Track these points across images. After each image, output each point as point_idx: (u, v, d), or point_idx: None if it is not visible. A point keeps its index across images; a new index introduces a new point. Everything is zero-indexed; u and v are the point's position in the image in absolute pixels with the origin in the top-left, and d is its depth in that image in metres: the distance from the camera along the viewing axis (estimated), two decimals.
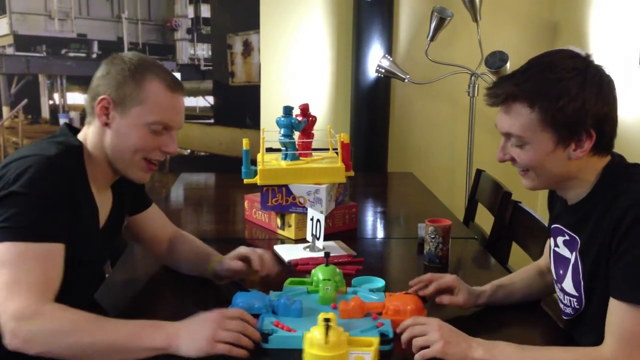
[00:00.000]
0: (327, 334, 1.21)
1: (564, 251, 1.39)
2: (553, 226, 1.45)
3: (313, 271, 1.59)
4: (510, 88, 1.27)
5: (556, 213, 1.45)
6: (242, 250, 1.60)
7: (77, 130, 1.47)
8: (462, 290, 1.49)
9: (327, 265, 1.58)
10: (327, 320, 1.23)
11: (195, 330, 1.23)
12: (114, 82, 1.38)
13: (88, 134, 1.43)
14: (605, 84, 1.26)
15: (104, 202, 1.48)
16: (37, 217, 1.24)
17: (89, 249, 1.42)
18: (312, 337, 1.22)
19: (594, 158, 1.29)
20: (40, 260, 1.23)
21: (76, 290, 1.42)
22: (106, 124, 1.39)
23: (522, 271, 1.62)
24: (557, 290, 1.43)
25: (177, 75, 3.54)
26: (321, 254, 1.88)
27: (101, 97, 1.38)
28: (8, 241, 1.22)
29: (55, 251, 1.27)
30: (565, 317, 1.42)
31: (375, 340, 1.28)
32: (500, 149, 1.34)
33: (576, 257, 1.34)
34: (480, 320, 1.50)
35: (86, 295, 1.54)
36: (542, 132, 1.26)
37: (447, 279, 1.52)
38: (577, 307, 1.35)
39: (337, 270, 1.58)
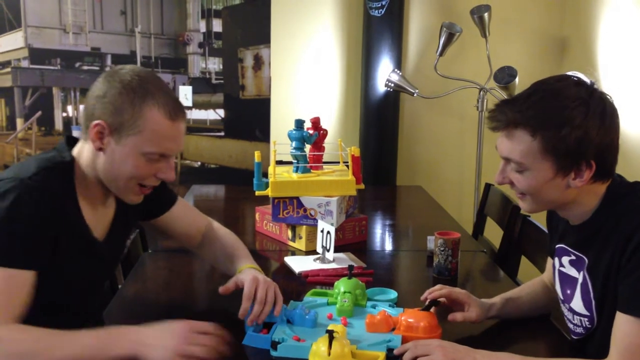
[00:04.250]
0: (330, 345, 1.23)
1: (571, 271, 1.39)
2: (557, 246, 1.44)
3: (336, 283, 1.61)
4: (512, 114, 1.27)
5: (560, 233, 1.45)
6: (246, 284, 1.46)
7: (77, 142, 1.40)
8: (474, 305, 1.49)
9: (349, 278, 1.59)
10: (330, 332, 1.25)
11: (162, 338, 1.21)
12: (111, 107, 1.28)
13: (83, 150, 1.36)
14: (608, 114, 1.25)
15: (101, 215, 1.43)
16: (6, 243, 1.20)
17: (83, 265, 1.37)
18: (317, 348, 1.25)
19: (595, 184, 1.29)
20: (5, 285, 1.19)
21: (79, 308, 1.42)
22: (100, 149, 1.31)
23: (527, 285, 1.62)
24: (565, 310, 1.43)
25: (189, 89, 3.58)
26: (331, 266, 1.90)
27: (96, 122, 1.29)
28: None
29: (22, 278, 1.22)
30: (575, 337, 1.42)
31: (381, 354, 1.29)
32: (499, 171, 1.34)
33: (584, 276, 1.34)
34: (488, 334, 1.51)
35: (93, 311, 1.53)
36: (542, 160, 1.26)
37: (459, 290, 1.52)
38: (589, 326, 1.35)
39: (360, 283, 1.60)
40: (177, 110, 1.33)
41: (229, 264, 1.61)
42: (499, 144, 1.31)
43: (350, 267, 1.64)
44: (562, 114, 1.23)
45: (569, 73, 1.37)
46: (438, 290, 1.51)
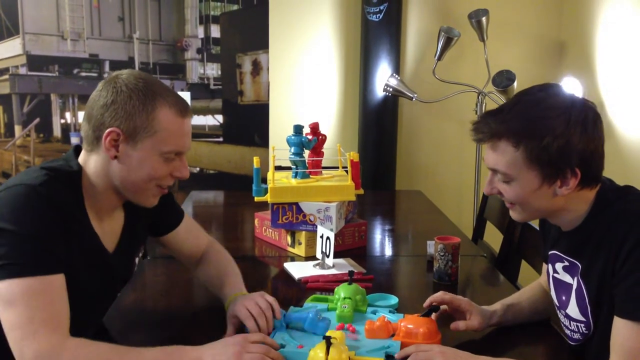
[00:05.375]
0: (327, 352, 1.23)
1: (565, 277, 1.39)
2: (550, 253, 1.45)
3: (336, 289, 1.60)
4: (495, 126, 1.28)
5: (552, 240, 1.45)
6: (242, 315, 1.45)
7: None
8: (475, 313, 1.48)
9: (350, 283, 1.59)
10: (327, 337, 1.25)
11: (219, 353, 1.23)
12: (123, 113, 1.28)
13: (89, 162, 1.35)
14: (590, 122, 1.26)
15: (109, 227, 1.43)
16: (31, 250, 1.19)
17: (94, 276, 1.37)
18: (314, 354, 1.25)
19: (583, 191, 1.30)
20: (47, 294, 1.19)
21: (85, 317, 1.40)
22: (115, 157, 1.31)
23: (526, 290, 1.62)
24: (561, 316, 1.43)
25: (187, 94, 3.58)
26: (331, 271, 1.90)
27: (109, 129, 1.29)
28: (8, 279, 1.17)
29: (58, 282, 1.22)
30: (572, 343, 1.42)
31: None
32: (487, 182, 1.36)
33: (579, 282, 1.34)
34: (489, 338, 1.50)
35: (98, 320, 1.52)
36: (527, 170, 1.27)
37: (461, 298, 1.51)
38: (586, 332, 1.35)
39: (360, 289, 1.59)
40: (185, 106, 1.36)
41: (218, 289, 1.61)
42: (486, 155, 1.34)
43: (351, 273, 1.63)
44: (543, 124, 1.24)
45: (552, 82, 1.37)
46: (440, 297, 1.51)
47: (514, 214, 1.38)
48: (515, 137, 1.26)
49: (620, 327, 1.21)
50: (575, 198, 1.30)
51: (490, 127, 1.29)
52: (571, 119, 1.24)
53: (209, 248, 1.73)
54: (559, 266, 1.41)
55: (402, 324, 1.41)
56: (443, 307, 1.50)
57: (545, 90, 1.30)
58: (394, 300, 1.65)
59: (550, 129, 1.23)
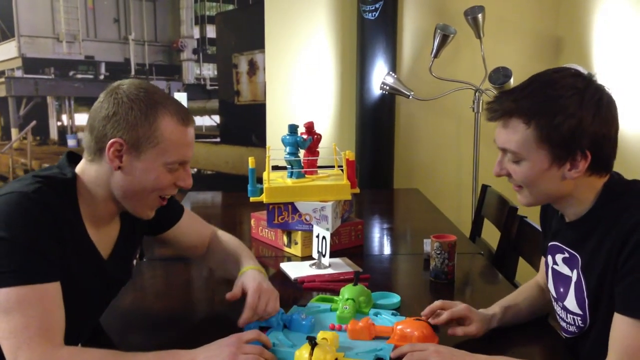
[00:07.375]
0: (311, 353, 1.23)
1: (564, 269, 1.38)
2: (550, 244, 1.44)
3: (342, 289, 1.60)
4: (508, 104, 1.28)
5: (553, 230, 1.44)
6: (249, 288, 1.48)
7: (80, 159, 1.39)
8: (475, 319, 1.46)
9: (355, 284, 1.58)
10: (311, 338, 1.26)
11: (214, 355, 1.23)
12: (125, 124, 1.28)
13: (88, 171, 1.35)
14: (604, 105, 1.25)
15: (105, 234, 1.42)
16: (26, 258, 1.18)
17: (90, 282, 1.37)
18: (300, 355, 1.26)
19: (592, 178, 1.28)
20: (42, 302, 1.18)
21: (83, 322, 1.41)
22: (119, 168, 1.31)
23: (524, 290, 1.61)
24: (558, 308, 1.42)
25: (184, 95, 3.58)
26: (327, 271, 1.89)
27: (113, 140, 1.28)
28: (3, 287, 1.16)
29: (53, 290, 1.21)
30: (567, 336, 1.41)
31: None
32: (497, 163, 1.35)
33: (578, 275, 1.33)
34: (485, 336, 1.49)
35: (94, 324, 1.52)
36: (537, 149, 1.26)
37: (460, 307, 1.47)
38: (582, 325, 1.34)
39: (365, 290, 1.58)
40: (187, 115, 1.36)
41: (233, 268, 1.62)
42: (496, 135, 1.32)
43: (357, 274, 1.62)
44: (556, 102, 1.23)
45: (568, 65, 1.36)
46: (439, 308, 1.48)
47: (521, 198, 1.36)
48: (527, 114, 1.25)
49: (620, 324, 1.20)
50: (584, 185, 1.29)
51: (503, 104, 1.29)
52: (584, 100, 1.22)
53: (215, 235, 1.74)
54: (558, 257, 1.39)
55: (398, 328, 1.40)
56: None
57: (560, 72, 1.29)
58: (396, 298, 1.65)
59: (563, 108, 1.22)
